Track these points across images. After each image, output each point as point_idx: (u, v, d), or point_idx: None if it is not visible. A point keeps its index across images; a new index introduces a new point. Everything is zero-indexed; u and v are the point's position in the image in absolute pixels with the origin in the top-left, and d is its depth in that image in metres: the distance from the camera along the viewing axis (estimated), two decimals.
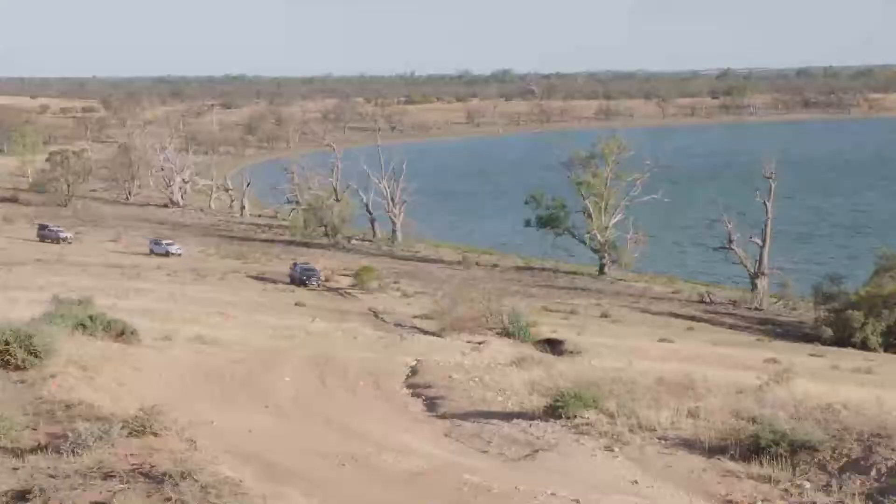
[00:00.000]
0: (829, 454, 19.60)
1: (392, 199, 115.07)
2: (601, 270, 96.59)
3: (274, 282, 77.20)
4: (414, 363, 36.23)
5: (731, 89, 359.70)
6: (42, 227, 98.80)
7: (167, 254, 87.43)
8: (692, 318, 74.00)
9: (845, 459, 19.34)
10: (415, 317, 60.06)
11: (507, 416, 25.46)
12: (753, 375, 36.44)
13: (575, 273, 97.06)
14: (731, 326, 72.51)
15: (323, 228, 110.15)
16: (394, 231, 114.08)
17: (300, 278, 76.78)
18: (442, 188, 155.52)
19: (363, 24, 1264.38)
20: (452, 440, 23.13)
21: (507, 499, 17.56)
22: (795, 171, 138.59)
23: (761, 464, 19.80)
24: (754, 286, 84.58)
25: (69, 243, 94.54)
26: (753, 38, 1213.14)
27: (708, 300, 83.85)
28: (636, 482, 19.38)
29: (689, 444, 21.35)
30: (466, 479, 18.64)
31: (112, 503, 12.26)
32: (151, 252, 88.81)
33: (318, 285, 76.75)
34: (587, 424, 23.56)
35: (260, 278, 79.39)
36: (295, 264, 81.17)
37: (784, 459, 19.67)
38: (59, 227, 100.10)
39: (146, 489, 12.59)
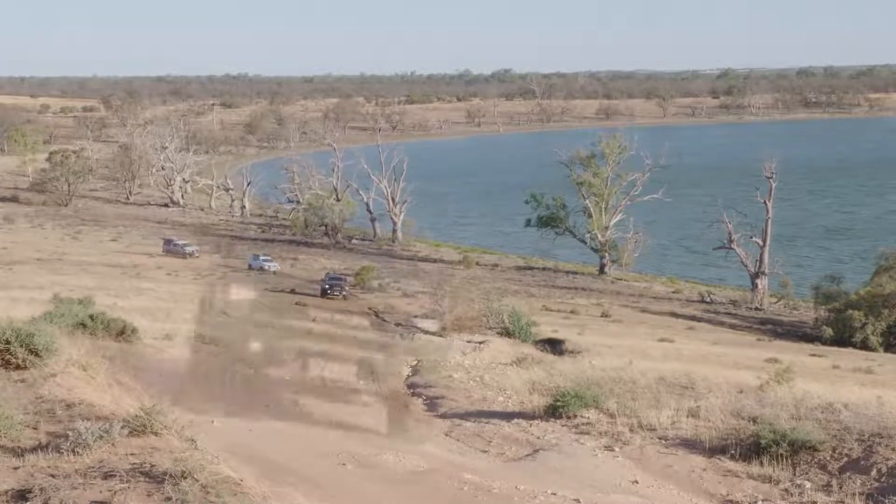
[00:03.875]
0: (830, 454, 19.60)
1: (392, 199, 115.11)
2: (601, 270, 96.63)
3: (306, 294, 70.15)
4: (414, 363, 36.23)
5: (731, 89, 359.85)
6: (167, 242, 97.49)
7: (261, 269, 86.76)
8: (692, 318, 73.99)
9: (845, 459, 19.34)
10: (415, 316, 60.06)
11: (508, 416, 25.47)
12: (753, 375, 36.44)
13: (575, 272, 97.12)
14: (732, 326, 72.49)
15: (323, 228, 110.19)
16: (394, 230, 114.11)
17: (322, 288, 70.54)
18: (436, 188, 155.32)
19: (363, 24, 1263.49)
20: (453, 440, 23.14)
21: (508, 498, 17.56)
22: (794, 172, 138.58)
23: (762, 463, 19.80)
24: (754, 286, 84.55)
25: (196, 258, 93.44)
26: (753, 38, 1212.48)
27: (708, 300, 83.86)
28: (636, 482, 19.39)
29: (690, 444, 21.35)
30: (466, 478, 18.64)
31: (112, 502, 12.27)
32: (249, 267, 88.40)
33: (342, 295, 69.89)
34: (587, 424, 23.57)
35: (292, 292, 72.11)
36: (326, 274, 75.56)
37: (784, 459, 19.68)
38: (184, 241, 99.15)
39: (146, 488, 12.60)
